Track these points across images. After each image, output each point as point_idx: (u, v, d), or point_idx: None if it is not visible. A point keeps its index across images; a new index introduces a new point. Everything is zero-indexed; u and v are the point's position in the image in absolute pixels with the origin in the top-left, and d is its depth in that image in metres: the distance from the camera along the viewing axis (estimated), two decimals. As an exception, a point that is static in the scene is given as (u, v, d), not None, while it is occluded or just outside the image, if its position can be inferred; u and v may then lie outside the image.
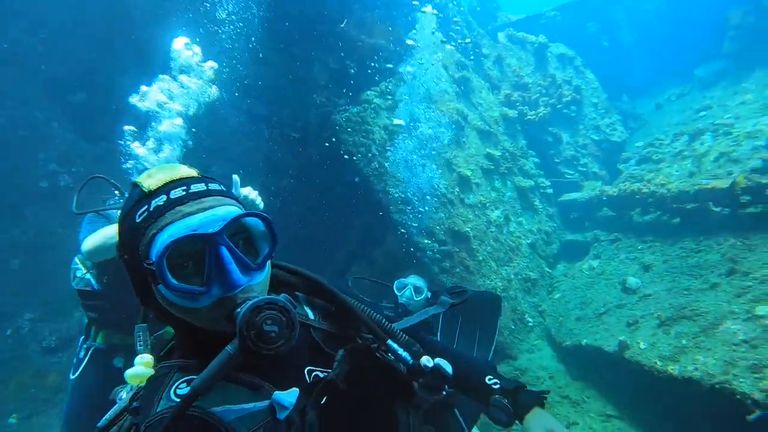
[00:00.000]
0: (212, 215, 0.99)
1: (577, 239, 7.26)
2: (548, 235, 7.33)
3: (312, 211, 6.46)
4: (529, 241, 6.93)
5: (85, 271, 2.98)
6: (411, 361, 1.21)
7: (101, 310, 3.01)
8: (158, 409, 0.97)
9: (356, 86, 6.37)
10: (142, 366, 1.36)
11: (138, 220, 0.99)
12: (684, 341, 4.40)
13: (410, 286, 3.82)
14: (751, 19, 9.01)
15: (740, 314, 4.20)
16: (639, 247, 6.19)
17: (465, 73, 7.63)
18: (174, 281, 0.95)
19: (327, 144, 5.93)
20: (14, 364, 5.09)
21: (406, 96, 6.52)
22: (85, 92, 6.05)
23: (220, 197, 1.04)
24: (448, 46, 7.64)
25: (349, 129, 5.85)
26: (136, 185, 1.04)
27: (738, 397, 3.54)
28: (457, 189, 6.41)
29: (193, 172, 1.07)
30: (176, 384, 1.02)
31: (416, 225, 5.76)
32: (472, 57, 8.46)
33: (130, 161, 3.51)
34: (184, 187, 1.02)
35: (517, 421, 1.39)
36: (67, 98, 5.89)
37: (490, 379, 1.48)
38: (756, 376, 3.58)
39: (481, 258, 6.09)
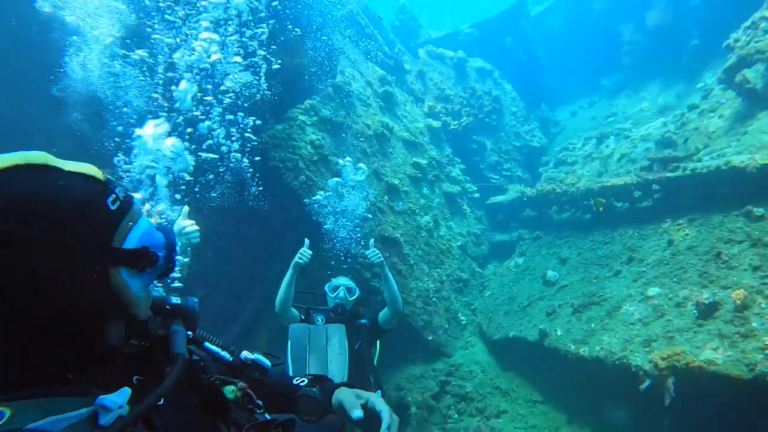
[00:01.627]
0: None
1: (504, 239, 7.64)
2: (477, 237, 7.66)
3: (245, 227, 6.44)
4: (459, 244, 7.22)
5: None
6: (230, 359, 1.22)
7: None
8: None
9: (281, 105, 6.45)
10: None
11: (113, 208, 0.97)
12: (593, 325, 4.77)
13: (342, 287, 4.02)
14: (639, 36, 9.94)
15: (636, 297, 4.61)
16: (557, 243, 6.62)
17: (388, 88, 7.89)
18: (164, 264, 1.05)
19: (256, 160, 5.95)
20: None
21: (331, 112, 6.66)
22: None
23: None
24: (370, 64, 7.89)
25: (275, 146, 5.91)
26: (86, 176, 0.95)
27: (633, 369, 3.90)
28: (386, 197, 6.59)
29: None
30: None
31: (345, 234, 5.88)
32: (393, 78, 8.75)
33: None
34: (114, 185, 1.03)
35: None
36: None
37: (297, 380, 1.53)
38: (647, 349, 3.96)
39: (412, 262, 6.29)
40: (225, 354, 1.27)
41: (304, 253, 4.03)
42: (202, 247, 6.40)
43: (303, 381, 1.48)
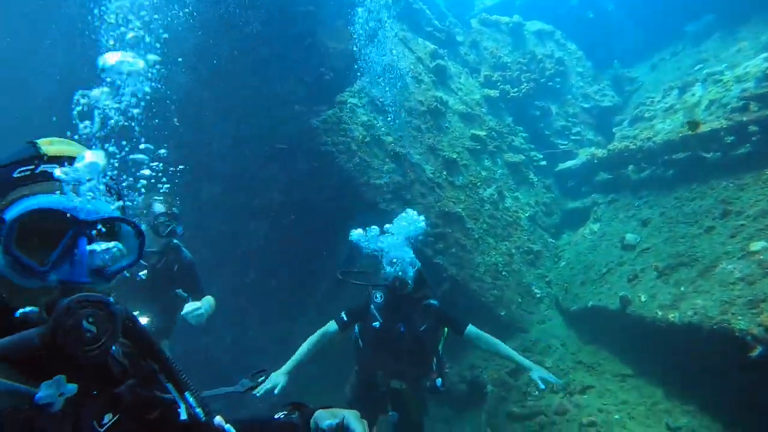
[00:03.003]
0: (91, 205, 0.92)
1: (577, 206, 7.06)
2: (547, 206, 7.15)
3: (303, 220, 6.48)
4: (527, 215, 6.78)
5: None
6: (203, 418, 1.07)
7: None
8: None
9: (333, 90, 6.39)
10: None
11: (15, 175, 0.92)
12: (683, 288, 4.21)
13: (399, 261, 3.65)
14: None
15: (735, 253, 3.99)
16: (636, 204, 5.97)
17: (440, 61, 7.55)
18: (15, 249, 0.85)
19: (307, 150, 5.96)
20: None
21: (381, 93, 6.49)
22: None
23: (107, 193, 0.98)
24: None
25: (326, 130, 5.86)
26: (33, 144, 0.97)
27: (737, 335, 3.35)
28: (444, 172, 6.32)
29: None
30: None
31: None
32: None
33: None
34: None
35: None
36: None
37: (278, 413, 1.39)
38: (753, 311, 3.39)
39: (477, 236, 5.98)
40: (199, 411, 1.08)
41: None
42: (267, 241, 6.56)
43: (282, 413, 1.38)
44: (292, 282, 6.52)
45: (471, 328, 3.77)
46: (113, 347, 0.90)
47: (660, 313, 4.11)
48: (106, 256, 0.93)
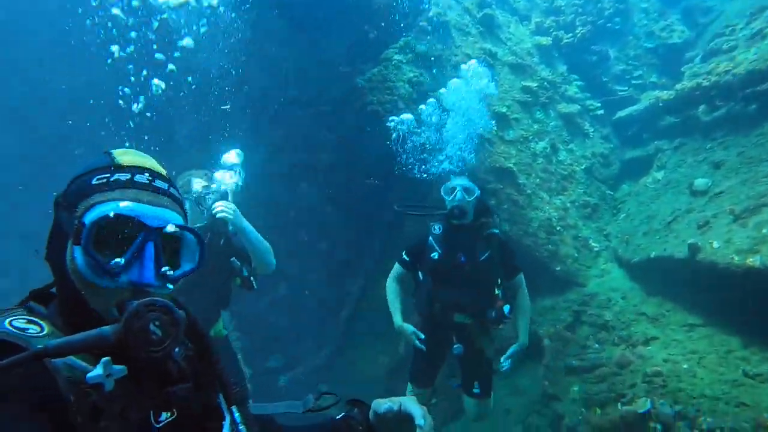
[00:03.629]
0: (159, 212, 1.00)
1: (638, 155, 6.64)
2: (605, 157, 6.78)
3: (353, 180, 6.53)
4: (583, 167, 6.46)
5: None
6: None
7: None
8: None
9: (377, 48, 6.30)
10: None
11: (93, 183, 1.01)
12: (765, 230, 3.89)
13: (459, 188, 3.48)
14: None
15: (824, 189, 3.61)
16: (707, 147, 5.53)
17: (488, 11, 7.20)
18: (92, 250, 0.94)
19: (354, 110, 5.95)
20: None
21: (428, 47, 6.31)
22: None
23: (174, 203, 1.06)
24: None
25: (371, 89, 5.81)
26: (108, 154, 1.07)
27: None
28: (494, 128, 6.12)
29: (162, 170, 1.09)
30: (16, 317, 0.95)
31: (454, 168, 5.61)
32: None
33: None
34: (150, 177, 1.04)
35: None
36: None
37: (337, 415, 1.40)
38: None
39: (529, 191, 5.80)
40: (243, 429, 1.11)
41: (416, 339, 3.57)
42: (319, 203, 6.70)
43: (340, 413, 1.39)
44: (344, 242, 6.66)
45: (521, 278, 3.68)
46: (175, 350, 0.97)
47: (737, 258, 3.83)
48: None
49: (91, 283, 0.95)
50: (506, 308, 3.46)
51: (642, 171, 6.34)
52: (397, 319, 3.64)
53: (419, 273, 3.70)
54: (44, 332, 0.92)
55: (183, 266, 1.07)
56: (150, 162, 1.08)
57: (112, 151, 1.07)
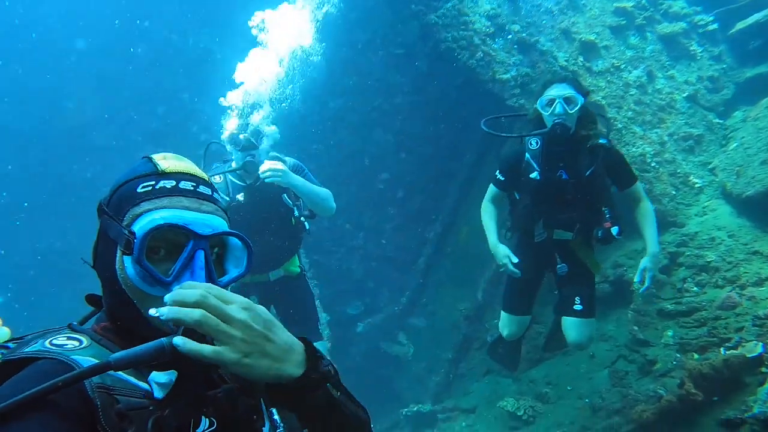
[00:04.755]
0: (206, 219, 1.02)
1: (761, 72, 5.87)
2: (714, 80, 6.10)
3: (429, 124, 6.50)
4: (685, 95, 5.88)
5: None
6: None
7: None
8: (26, 350, 0.93)
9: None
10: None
11: (139, 190, 1.02)
12: None
13: (559, 100, 3.06)
14: None
15: None
16: None
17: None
18: (146, 260, 0.96)
19: (428, 50, 5.86)
20: None
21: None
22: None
23: (218, 207, 1.09)
24: None
25: (445, 25, 5.66)
26: (149, 160, 1.09)
27: None
28: (580, 58, 5.73)
29: (203, 175, 1.12)
30: (57, 336, 0.98)
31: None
32: None
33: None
34: (194, 184, 1.06)
35: None
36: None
37: None
38: None
39: (620, 126, 5.41)
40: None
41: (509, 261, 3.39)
42: (394, 150, 6.78)
43: None
44: (420, 189, 6.73)
45: (638, 186, 3.37)
46: None
47: None
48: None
49: (142, 292, 0.98)
50: (615, 230, 3.20)
51: (763, 92, 5.62)
52: (492, 239, 3.50)
53: (516, 193, 3.51)
54: (82, 345, 0.95)
55: (230, 272, 1.09)
56: (191, 166, 1.10)
57: (153, 156, 1.09)
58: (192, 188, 1.05)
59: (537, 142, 3.26)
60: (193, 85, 6.75)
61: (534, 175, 3.29)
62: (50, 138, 7.39)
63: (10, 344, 0.99)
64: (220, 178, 3.51)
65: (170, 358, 0.87)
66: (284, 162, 3.55)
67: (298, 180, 3.40)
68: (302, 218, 3.58)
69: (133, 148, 7.16)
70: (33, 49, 7.13)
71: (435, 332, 6.47)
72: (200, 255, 0.99)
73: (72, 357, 0.89)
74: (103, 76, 7.25)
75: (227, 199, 3.48)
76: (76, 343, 0.95)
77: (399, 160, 6.69)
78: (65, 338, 0.96)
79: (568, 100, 3.06)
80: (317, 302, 5.79)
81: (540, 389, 5.00)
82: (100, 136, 7.41)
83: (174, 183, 1.03)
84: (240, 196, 3.48)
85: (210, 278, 1.00)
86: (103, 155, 7.28)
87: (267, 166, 3.26)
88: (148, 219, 0.98)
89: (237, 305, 0.90)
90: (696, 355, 4.02)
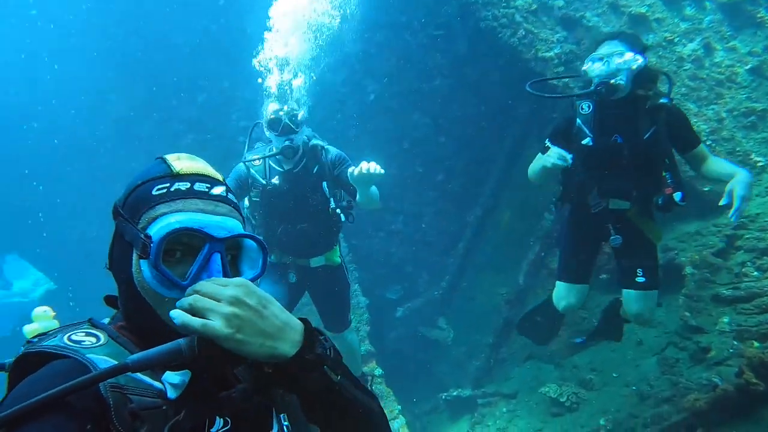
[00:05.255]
0: (221, 222, 1.02)
1: None
2: (784, 51, 5.73)
3: (468, 106, 6.41)
4: (748, 67, 5.55)
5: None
6: None
7: (264, 235, 3.55)
8: (45, 344, 0.95)
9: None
10: (35, 317, 1.32)
11: (154, 193, 1.02)
12: None
13: (609, 57, 2.87)
14: None
15: None
16: None
17: None
18: (162, 265, 0.97)
19: (467, 30, 5.76)
20: None
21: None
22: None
23: (232, 209, 1.09)
24: None
25: (485, 3, 5.54)
26: (163, 161, 1.09)
27: None
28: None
29: (218, 175, 1.12)
30: (77, 331, 1.00)
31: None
32: None
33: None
34: (208, 185, 1.06)
35: None
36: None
37: None
38: None
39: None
40: None
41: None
42: (433, 133, 6.73)
43: None
44: (460, 173, 6.68)
45: (703, 148, 3.13)
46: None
47: None
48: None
49: (159, 295, 0.98)
50: (677, 195, 2.99)
51: None
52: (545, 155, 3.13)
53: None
54: (100, 342, 0.97)
55: (246, 273, 1.09)
56: (205, 167, 1.10)
57: (167, 157, 1.10)
58: (206, 189, 1.05)
59: (589, 106, 3.09)
60: (233, 72, 6.88)
61: (586, 141, 3.12)
62: (97, 129, 7.71)
63: (35, 340, 1.00)
64: (259, 161, 3.53)
65: (187, 360, 0.88)
66: (327, 151, 3.56)
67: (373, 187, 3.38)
68: (338, 210, 3.53)
69: (175, 136, 7.42)
70: (76, 46, 7.43)
71: (475, 317, 6.46)
72: (216, 258, 0.99)
73: (88, 356, 0.90)
74: (144, 67, 7.49)
75: (263, 182, 3.49)
76: (94, 340, 0.97)
77: (438, 143, 6.65)
78: (84, 334, 0.98)
79: (617, 58, 2.87)
80: (356, 286, 5.89)
81: (584, 375, 4.93)
82: (142, 126, 7.68)
83: (188, 185, 1.04)
84: (275, 180, 3.49)
85: None
86: (146, 144, 7.56)
87: (365, 167, 3.10)
88: (164, 223, 0.98)
89: (232, 285, 0.91)
90: (756, 343, 3.85)
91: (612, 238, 3.31)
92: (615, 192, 3.20)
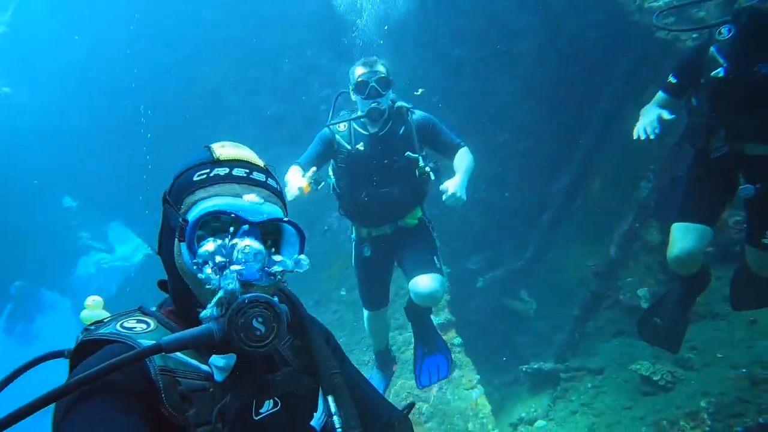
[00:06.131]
0: (258, 206, 1.05)
1: None
2: None
3: (563, 66, 6.10)
4: None
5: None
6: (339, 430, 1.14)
7: (345, 209, 3.68)
8: (100, 331, 1.03)
9: None
10: (87, 306, 1.42)
11: (195, 179, 1.07)
12: None
13: None
14: None
15: None
16: None
17: None
18: (197, 247, 1.00)
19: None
20: (331, 254, 6.72)
21: None
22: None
23: (272, 194, 1.11)
24: None
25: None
26: (207, 148, 1.13)
27: None
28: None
29: (260, 161, 1.14)
30: (128, 318, 1.07)
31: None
32: None
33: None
34: (247, 170, 1.09)
35: None
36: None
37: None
38: None
39: None
40: (338, 420, 1.15)
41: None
42: (521, 98, 6.49)
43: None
44: (548, 139, 6.44)
45: None
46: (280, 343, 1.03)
47: None
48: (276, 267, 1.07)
49: (197, 279, 1.01)
50: None
51: None
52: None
53: (693, 99, 2.98)
54: (150, 328, 1.04)
55: (284, 258, 1.10)
56: (247, 154, 1.13)
57: (212, 145, 1.14)
58: (245, 174, 1.08)
59: (729, 30, 2.69)
60: (316, 41, 7.05)
61: (718, 72, 2.77)
62: (189, 102, 8.23)
63: (92, 327, 1.09)
64: (344, 126, 3.55)
65: (218, 343, 0.93)
66: (413, 114, 3.55)
67: (466, 176, 3.36)
68: (427, 169, 3.48)
69: (261, 106, 7.76)
70: (169, 27, 7.89)
71: (560, 289, 6.31)
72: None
73: (138, 341, 0.98)
74: (232, 41, 7.83)
75: (348, 147, 3.51)
76: (144, 326, 1.04)
77: (526, 108, 6.43)
78: (135, 321, 1.06)
79: None
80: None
81: (681, 354, 4.67)
82: (230, 97, 8.09)
83: (227, 170, 1.07)
84: (360, 146, 3.49)
85: (263, 265, 1.02)
86: (234, 116, 7.98)
87: (450, 191, 3.16)
88: (201, 207, 1.02)
89: None
90: None
91: (742, 188, 2.96)
92: (751, 134, 2.80)
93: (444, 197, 3.18)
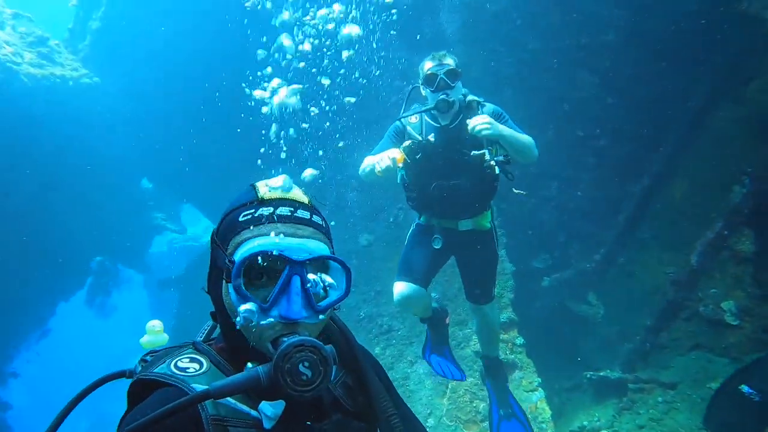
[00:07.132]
0: (303, 245, 1.06)
1: None
2: None
3: (649, 60, 5.81)
4: None
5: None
6: None
7: (413, 198, 3.74)
8: (155, 371, 1.05)
9: None
10: (149, 332, 1.45)
11: (240, 219, 1.09)
12: None
13: None
14: None
15: None
16: None
17: None
18: (243, 289, 1.03)
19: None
20: (396, 243, 6.74)
21: None
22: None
23: (317, 231, 1.12)
24: None
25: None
26: (253, 187, 1.16)
27: None
28: None
29: (305, 198, 1.16)
30: (182, 357, 1.10)
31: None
32: None
33: None
34: (292, 209, 1.10)
35: None
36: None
37: None
38: None
39: None
40: None
41: None
42: (599, 94, 6.22)
43: None
44: (627, 137, 6.17)
45: None
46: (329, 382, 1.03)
47: None
48: (318, 289, 1.11)
49: (243, 318, 1.03)
50: None
51: None
52: None
53: None
54: (202, 369, 1.06)
55: (330, 295, 1.12)
56: (293, 192, 1.14)
57: (256, 183, 1.16)
58: (290, 213, 1.09)
59: None
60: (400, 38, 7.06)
61: None
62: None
63: (149, 357, 1.14)
64: (415, 118, 3.61)
65: (265, 387, 0.95)
66: (483, 107, 3.55)
67: (505, 130, 3.38)
68: (493, 162, 3.45)
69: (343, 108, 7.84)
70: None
71: (632, 295, 6.08)
72: (296, 281, 1.03)
73: (191, 385, 1.00)
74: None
75: (419, 138, 3.55)
76: (197, 366, 1.07)
77: (605, 104, 6.18)
78: (188, 360, 1.09)
79: None
80: (503, 252, 5.84)
81: (767, 375, 4.41)
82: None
83: (271, 210, 1.08)
84: (431, 137, 3.52)
85: (308, 303, 1.04)
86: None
87: (475, 122, 3.27)
88: (246, 247, 1.05)
89: None
90: None
91: None
92: None
93: (471, 127, 3.26)
